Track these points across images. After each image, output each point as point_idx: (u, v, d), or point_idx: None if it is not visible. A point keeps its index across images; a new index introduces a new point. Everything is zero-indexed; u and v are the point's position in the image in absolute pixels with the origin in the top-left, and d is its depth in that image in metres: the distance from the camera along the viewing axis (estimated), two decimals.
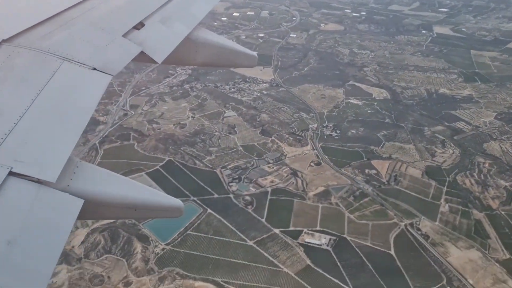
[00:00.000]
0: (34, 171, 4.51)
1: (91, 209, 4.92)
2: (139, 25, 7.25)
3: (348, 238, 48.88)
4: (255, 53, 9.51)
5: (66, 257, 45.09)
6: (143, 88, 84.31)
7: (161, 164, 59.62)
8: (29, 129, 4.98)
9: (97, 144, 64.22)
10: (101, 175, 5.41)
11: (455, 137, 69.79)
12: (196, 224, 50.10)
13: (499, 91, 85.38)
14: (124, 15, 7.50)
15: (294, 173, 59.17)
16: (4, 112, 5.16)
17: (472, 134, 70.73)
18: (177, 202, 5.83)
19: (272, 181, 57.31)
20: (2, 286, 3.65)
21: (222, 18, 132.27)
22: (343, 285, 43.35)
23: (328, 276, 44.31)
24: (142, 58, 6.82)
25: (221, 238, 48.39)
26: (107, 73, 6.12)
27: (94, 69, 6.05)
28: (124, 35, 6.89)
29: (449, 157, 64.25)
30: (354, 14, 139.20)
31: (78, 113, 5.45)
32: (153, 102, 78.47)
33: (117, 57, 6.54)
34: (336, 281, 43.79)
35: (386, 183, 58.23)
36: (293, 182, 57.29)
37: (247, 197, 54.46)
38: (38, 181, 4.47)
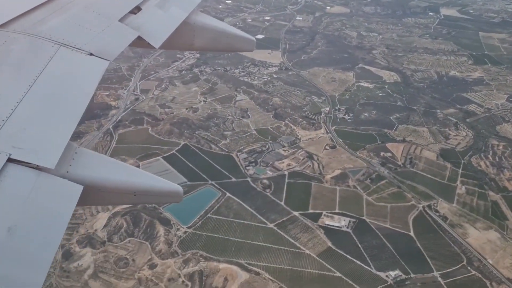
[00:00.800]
0: (33, 157, 4.49)
1: (91, 195, 4.90)
2: (136, 10, 7.16)
3: (367, 220, 49.22)
4: (253, 37, 9.53)
5: (90, 241, 45.44)
6: (152, 72, 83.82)
7: (177, 148, 59.62)
8: (27, 115, 4.94)
9: (111, 129, 64.07)
10: (100, 161, 5.41)
11: (467, 120, 69.87)
12: (216, 207, 50.32)
13: (509, 73, 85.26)
14: (120, 0, 7.41)
15: (310, 156, 59.27)
16: (1, 99, 5.11)
17: (485, 117, 70.82)
18: (176, 187, 5.80)
19: (288, 165, 57.44)
20: (3, 273, 3.66)
21: (227, 1, 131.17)
22: (365, 266, 43.81)
23: (350, 257, 44.72)
24: (139, 43, 6.76)
25: (242, 221, 48.66)
26: (104, 59, 6.01)
27: (91, 54, 5.98)
28: (121, 20, 6.81)
29: (462, 139, 64.40)
30: None
31: (76, 99, 5.41)
32: (163, 86, 78.08)
33: (114, 42, 6.44)
34: (358, 262, 44.23)
35: (401, 165, 58.42)
36: (310, 165, 57.43)
37: (265, 181, 54.61)
38: (37, 168, 4.46)
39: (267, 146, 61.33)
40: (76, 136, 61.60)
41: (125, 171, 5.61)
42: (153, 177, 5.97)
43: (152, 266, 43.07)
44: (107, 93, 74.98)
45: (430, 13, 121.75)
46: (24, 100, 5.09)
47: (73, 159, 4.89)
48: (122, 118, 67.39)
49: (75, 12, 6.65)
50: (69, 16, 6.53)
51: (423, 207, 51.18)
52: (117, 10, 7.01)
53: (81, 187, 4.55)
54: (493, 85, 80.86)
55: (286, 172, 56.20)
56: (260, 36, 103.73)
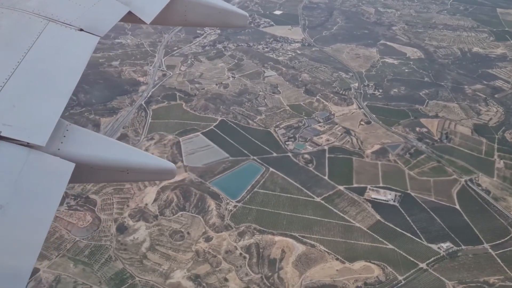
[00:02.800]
0: (23, 135, 4.42)
1: (83, 172, 4.84)
2: None
3: (412, 194, 49.81)
4: (246, 13, 9.45)
5: (142, 215, 45.61)
6: (175, 48, 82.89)
7: (214, 124, 59.53)
8: (16, 92, 4.85)
9: (144, 105, 63.62)
10: (92, 138, 5.33)
11: (496, 96, 70.18)
12: (262, 182, 50.57)
13: None
14: None
15: (347, 131, 59.45)
16: None
17: None
18: (169, 164, 5.77)
19: (327, 140, 57.65)
20: None
21: None
22: (416, 239, 44.55)
23: (400, 230, 45.40)
24: (130, 18, 6.68)
25: (289, 195, 49.03)
26: (95, 34, 5.96)
27: (81, 30, 5.90)
28: None
29: (494, 115, 64.84)
30: None
31: (66, 75, 5.32)
32: (189, 62, 77.34)
33: (105, 17, 6.35)
34: (409, 234, 44.94)
35: (438, 140, 58.87)
36: (349, 140, 57.70)
37: (306, 156, 54.84)
38: (28, 145, 4.39)
39: (303, 122, 61.35)
40: (112, 111, 61.44)
41: (117, 148, 5.56)
42: (146, 155, 6.08)
43: (207, 239, 43.43)
44: (134, 69, 74.28)
45: None
46: (13, 77, 4.95)
47: (64, 136, 4.80)
48: (153, 93, 66.88)
49: None
50: None
51: (465, 181, 51.80)
52: None
53: (72, 165, 4.48)
54: None
55: (326, 147, 56.43)
56: (278, 12, 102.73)
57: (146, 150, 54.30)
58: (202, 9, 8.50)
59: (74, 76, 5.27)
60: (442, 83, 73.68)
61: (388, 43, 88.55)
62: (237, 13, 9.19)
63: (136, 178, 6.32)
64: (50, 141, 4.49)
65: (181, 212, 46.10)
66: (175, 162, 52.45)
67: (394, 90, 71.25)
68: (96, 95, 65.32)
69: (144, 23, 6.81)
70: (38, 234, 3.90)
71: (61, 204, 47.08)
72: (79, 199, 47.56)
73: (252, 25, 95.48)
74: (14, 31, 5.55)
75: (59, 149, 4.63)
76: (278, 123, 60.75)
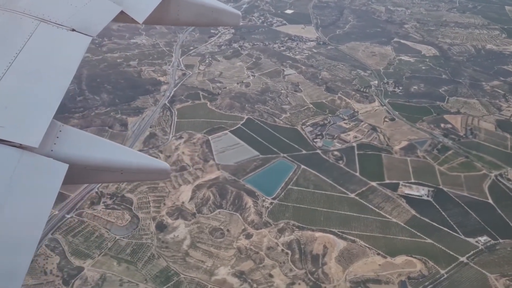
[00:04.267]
0: (16, 136, 4.36)
1: (77, 173, 4.79)
2: None
3: (445, 189, 50.12)
4: (238, 12, 9.54)
5: (180, 213, 45.59)
6: (191, 48, 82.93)
7: (241, 122, 59.62)
8: (8, 93, 4.79)
9: (168, 104, 63.57)
10: (85, 139, 5.29)
11: None
12: (295, 179, 50.72)
13: None
14: None
15: (374, 128, 59.75)
16: None
17: None
18: (163, 164, 5.77)
19: (355, 136, 57.93)
20: None
21: None
22: (453, 233, 44.84)
23: (436, 225, 45.67)
24: (123, 18, 6.67)
25: (323, 192, 49.20)
26: (87, 34, 5.90)
27: (73, 30, 5.84)
28: None
29: None
30: None
31: (58, 76, 5.26)
32: (207, 61, 77.39)
33: (97, 17, 6.31)
34: (445, 229, 45.22)
35: (464, 136, 59.31)
36: (376, 137, 58.01)
37: (336, 152, 55.04)
38: (21, 147, 4.34)
39: (328, 119, 61.59)
40: (137, 111, 61.31)
41: (111, 149, 5.54)
42: (140, 155, 5.99)
43: (248, 236, 43.49)
44: (153, 68, 74.24)
45: None
46: (5, 78, 4.92)
47: (57, 137, 4.77)
48: (175, 93, 66.85)
49: None
50: None
51: (495, 176, 52.20)
52: None
53: (66, 166, 4.43)
54: None
55: (354, 144, 56.70)
56: (289, 11, 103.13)
57: (176, 149, 54.44)
58: (195, 8, 8.53)
59: (67, 76, 5.23)
60: (460, 80, 74.26)
61: (402, 41, 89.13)
62: (230, 12, 9.18)
63: (130, 178, 6.37)
64: (43, 142, 4.44)
65: (219, 210, 46.12)
66: (206, 161, 52.62)
67: (414, 87, 71.71)
68: (119, 95, 65.21)
69: (136, 22, 6.78)
70: (33, 234, 3.88)
71: (98, 203, 47.10)
72: (115, 198, 47.45)
73: (265, 24, 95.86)
74: (5, 31, 5.50)
75: (52, 150, 4.59)
76: (304, 120, 60.95)
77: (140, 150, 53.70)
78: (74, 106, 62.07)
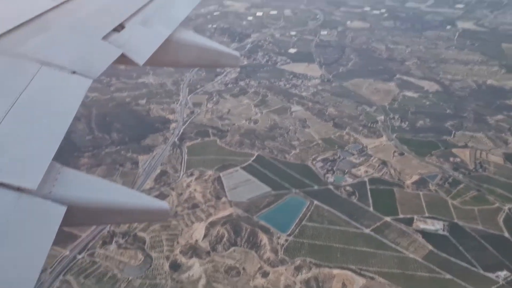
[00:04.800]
0: (14, 178, 4.36)
1: (75, 215, 4.78)
2: (119, 27, 7.17)
3: (460, 223, 49.78)
4: (237, 53, 9.51)
5: (194, 251, 44.94)
6: (198, 86, 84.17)
7: (252, 158, 59.75)
8: (7, 135, 4.81)
9: (177, 142, 63.89)
10: (84, 180, 5.26)
11: None
12: (308, 215, 50.41)
13: None
14: (103, 18, 7.42)
15: (384, 163, 59.91)
16: None
17: None
18: (163, 204, 5.70)
19: (366, 171, 57.99)
20: None
21: (248, 18, 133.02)
22: (471, 268, 44.25)
23: (454, 260, 45.10)
24: (123, 60, 6.76)
25: (338, 228, 48.80)
26: (88, 77, 5.99)
27: (74, 72, 5.92)
28: (104, 38, 6.79)
29: None
30: (374, 11, 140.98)
31: (58, 117, 5.27)
32: (214, 100, 78.38)
33: (97, 60, 6.43)
34: (464, 264, 44.65)
35: (473, 170, 59.43)
36: (387, 172, 58.08)
37: (348, 188, 54.95)
38: (19, 189, 4.33)
39: (338, 155, 61.83)
40: (147, 149, 61.46)
41: (110, 189, 5.51)
42: (139, 195, 5.98)
43: (264, 274, 42.73)
44: (161, 107, 75.06)
45: (448, 26, 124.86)
46: (5, 121, 4.93)
47: (56, 179, 4.73)
48: (185, 131, 67.30)
49: (57, 31, 6.57)
50: (51, 35, 6.45)
51: (509, 209, 51.98)
52: (100, 28, 6.99)
53: (64, 208, 4.43)
54: None
55: (365, 179, 56.70)
56: (292, 50, 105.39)
57: (188, 186, 54.26)
58: (194, 51, 8.54)
59: (67, 118, 5.16)
60: (464, 115, 75.13)
61: (404, 77, 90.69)
62: (229, 53, 9.19)
63: (131, 219, 5.74)
64: (41, 184, 4.37)
65: (234, 248, 45.53)
66: (219, 197, 52.37)
67: (420, 122, 72.44)
68: (129, 133, 65.58)
69: (136, 65, 6.77)
70: (29, 278, 3.82)
71: (110, 243, 46.46)
72: (127, 237, 46.86)
73: (269, 63, 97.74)
74: (7, 75, 5.59)
75: (50, 192, 4.52)
76: (314, 156, 61.16)
77: (151, 188, 53.66)
78: (83, 145, 62.31)
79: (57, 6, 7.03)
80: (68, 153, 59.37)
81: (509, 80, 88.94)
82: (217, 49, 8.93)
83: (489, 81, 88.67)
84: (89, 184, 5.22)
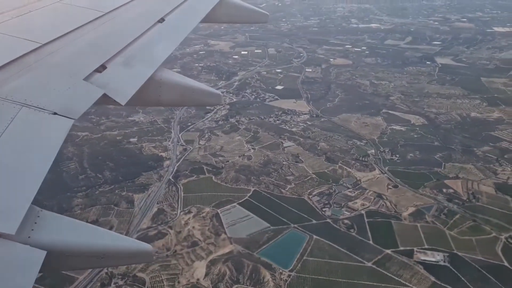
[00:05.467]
0: None
1: (55, 260, 4.73)
2: (101, 68, 7.20)
3: (459, 253, 50.03)
4: (219, 92, 9.83)
5: None
6: (189, 124, 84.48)
7: (249, 194, 59.58)
8: None
9: (173, 179, 63.45)
10: (64, 223, 5.19)
11: (505, 156, 73.38)
12: (309, 250, 50.07)
13: None
14: (85, 59, 7.39)
15: (379, 195, 60.39)
16: None
17: None
18: (145, 246, 5.65)
19: (363, 204, 58.29)
20: None
21: (234, 56, 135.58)
22: None
23: None
24: (105, 100, 6.79)
25: (339, 262, 48.49)
26: (69, 117, 5.91)
27: (55, 113, 5.85)
28: (86, 78, 6.74)
29: (511, 174, 67.39)
30: (355, 49, 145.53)
31: (38, 159, 5.22)
32: (206, 137, 78.63)
33: (79, 100, 6.37)
34: None
35: (467, 200, 60.29)
36: (383, 204, 58.47)
37: (346, 221, 55.00)
38: None
39: (333, 189, 62.17)
40: (142, 187, 60.82)
41: (91, 232, 5.41)
42: (121, 237, 5.88)
43: None
44: (153, 145, 74.84)
45: (427, 62, 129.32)
46: None
47: (35, 223, 4.66)
48: (179, 168, 66.98)
49: (39, 72, 6.49)
50: (32, 76, 6.36)
51: (505, 238, 52.61)
52: (82, 69, 6.96)
53: (44, 253, 4.34)
54: None
55: (363, 212, 56.92)
56: (279, 87, 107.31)
57: (186, 224, 53.55)
58: (176, 90, 8.61)
59: (47, 160, 5.09)
60: (452, 147, 76.84)
61: (390, 111, 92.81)
62: (211, 92, 9.37)
63: (112, 263, 6.09)
64: (20, 229, 4.28)
65: (236, 285, 44.64)
66: (218, 234, 51.75)
67: (410, 154, 73.72)
68: (122, 172, 64.91)
69: (119, 104, 6.78)
70: None
71: (109, 284, 45.11)
72: (126, 278, 45.60)
73: (258, 99, 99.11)
74: None
75: (29, 237, 4.41)
76: (310, 190, 61.34)
77: (149, 227, 52.80)
78: (76, 185, 61.31)
79: (39, 47, 7.01)
80: (60, 194, 58.29)
81: (492, 112, 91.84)
82: (199, 88, 9.16)
83: (472, 114, 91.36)
84: (70, 228, 5.10)
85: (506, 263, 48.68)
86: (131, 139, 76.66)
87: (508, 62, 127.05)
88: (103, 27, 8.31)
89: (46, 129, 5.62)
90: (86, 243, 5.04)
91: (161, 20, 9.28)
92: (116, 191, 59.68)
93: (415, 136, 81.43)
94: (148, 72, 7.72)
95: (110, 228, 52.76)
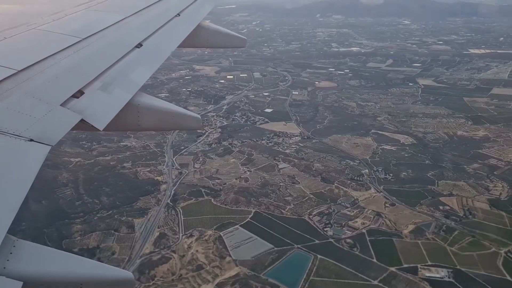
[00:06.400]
0: None
1: None
2: (78, 93, 7.11)
3: (463, 269, 50.70)
4: (198, 116, 9.72)
5: None
6: (182, 147, 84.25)
7: (250, 216, 59.44)
8: None
9: (171, 203, 62.92)
10: (41, 253, 5.05)
11: (495, 172, 75.30)
12: (315, 270, 50.03)
13: (509, 130, 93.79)
14: (62, 84, 7.22)
15: (378, 214, 61.01)
16: None
17: (509, 169, 76.68)
18: (126, 274, 5.57)
19: (363, 223, 58.73)
20: None
21: (221, 81, 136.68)
22: None
23: None
24: (83, 126, 6.73)
25: (346, 281, 48.54)
26: (45, 144, 5.82)
27: (31, 140, 5.73)
28: (63, 104, 6.62)
29: (502, 189, 69.09)
30: (339, 72, 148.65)
31: (13, 188, 5.08)
32: (200, 160, 78.45)
33: (56, 126, 6.29)
34: None
35: (464, 216, 61.41)
36: (383, 223, 59.04)
37: (349, 240, 55.27)
38: None
39: (332, 208, 62.57)
40: (141, 212, 60.11)
41: (68, 261, 5.25)
42: (100, 265, 5.79)
43: None
44: (148, 169, 74.27)
45: (410, 84, 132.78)
46: None
47: (11, 253, 4.54)
48: (176, 192, 66.50)
49: (15, 99, 6.35)
50: (8, 103, 6.21)
51: (505, 252, 53.62)
52: (59, 94, 6.82)
53: (20, 283, 4.26)
54: (500, 141, 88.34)
55: (364, 231, 57.32)
56: (268, 110, 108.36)
57: (189, 247, 52.94)
58: (155, 115, 8.52)
59: (23, 188, 4.93)
60: (443, 164, 78.50)
61: (379, 132, 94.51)
62: (191, 116, 9.31)
63: None
64: None
65: None
66: (223, 257, 51.27)
67: (403, 173, 74.93)
68: (119, 197, 64.05)
69: (97, 130, 6.66)
70: None
71: None
72: None
73: (248, 122, 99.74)
74: None
75: (4, 268, 4.30)
76: (309, 210, 61.61)
77: (152, 252, 52.01)
78: (73, 211, 60.16)
79: (15, 74, 6.85)
80: (58, 220, 57.12)
81: (477, 130, 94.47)
82: (179, 112, 9.04)
83: (459, 132, 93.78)
84: (47, 257, 4.95)
85: (508, 277, 49.50)
86: (125, 164, 75.90)
87: (487, 82, 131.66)
88: (81, 52, 8.20)
89: (21, 156, 5.45)
90: (64, 272, 4.89)
91: (139, 45, 9.24)
92: (115, 216, 58.76)
93: (406, 155, 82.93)
94: (126, 97, 7.63)
95: (112, 254, 51.86)
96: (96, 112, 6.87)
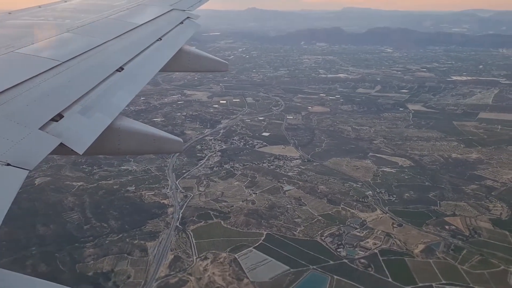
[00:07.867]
0: None
1: None
2: (58, 117, 7.02)
3: (476, 287, 51.49)
4: (180, 139, 9.81)
5: None
6: (184, 171, 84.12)
7: (262, 238, 59.46)
8: None
9: (180, 226, 62.58)
10: (21, 282, 4.89)
11: (492, 193, 77.28)
12: None
13: (500, 152, 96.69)
14: (41, 107, 7.13)
15: (388, 234, 61.77)
16: None
17: (505, 189, 78.80)
18: None
19: (374, 243, 59.33)
20: None
21: (214, 105, 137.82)
22: None
23: None
24: (62, 150, 6.64)
25: None
26: (23, 168, 5.73)
27: (8, 164, 5.64)
28: (41, 128, 6.57)
29: (502, 209, 70.87)
30: (330, 97, 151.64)
31: None
32: (204, 183, 78.41)
33: (34, 150, 6.18)
34: None
35: (470, 236, 62.64)
36: (394, 242, 59.76)
37: (363, 260, 55.69)
38: None
39: (342, 229, 63.10)
40: (152, 235, 59.63)
41: None
42: None
43: None
44: (153, 192, 73.86)
45: (400, 109, 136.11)
46: None
47: None
48: (184, 215, 66.16)
49: None
50: None
51: None
52: (38, 118, 6.72)
53: None
54: (493, 163, 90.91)
55: (376, 251, 57.87)
56: (266, 134, 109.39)
57: (205, 270, 52.53)
58: (136, 138, 8.48)
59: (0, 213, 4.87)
60: (442, 186, 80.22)
61: (377, 154, 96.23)
62: (172, 139, 9.27)
63: None
64: None
65: None
66: (240, 279, 51.00)
67: (406, 194, 76.25)
68: (127, 221, 63.37)
69: (76, 154, 6.58)
70: None
71: None
72: None
73: (247, 146, 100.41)
74: None
75: None
76: (320, 232, 62.01)
77: (167, 275, 51.51)
78: (82, 235, 59.22)
79: None
80: (68, 245, 56.16)
81: (470, 153, 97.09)
82: (159, 135, 9.02)
83: (453, 155, 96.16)
84: (24, 285, 4.84)
85: None
86: (129, 188, 75.34)
87: (473, 107, 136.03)
88: (60, 76, 7.97)
89: None
90: None
91: (120, 69, 9.15)
92: (127, 239, 58.04)
93: (406, 177, 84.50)
94: (106, 121, 7.53)
95: (128, 278, 51.07)
96: (76, 136, 6.76)
